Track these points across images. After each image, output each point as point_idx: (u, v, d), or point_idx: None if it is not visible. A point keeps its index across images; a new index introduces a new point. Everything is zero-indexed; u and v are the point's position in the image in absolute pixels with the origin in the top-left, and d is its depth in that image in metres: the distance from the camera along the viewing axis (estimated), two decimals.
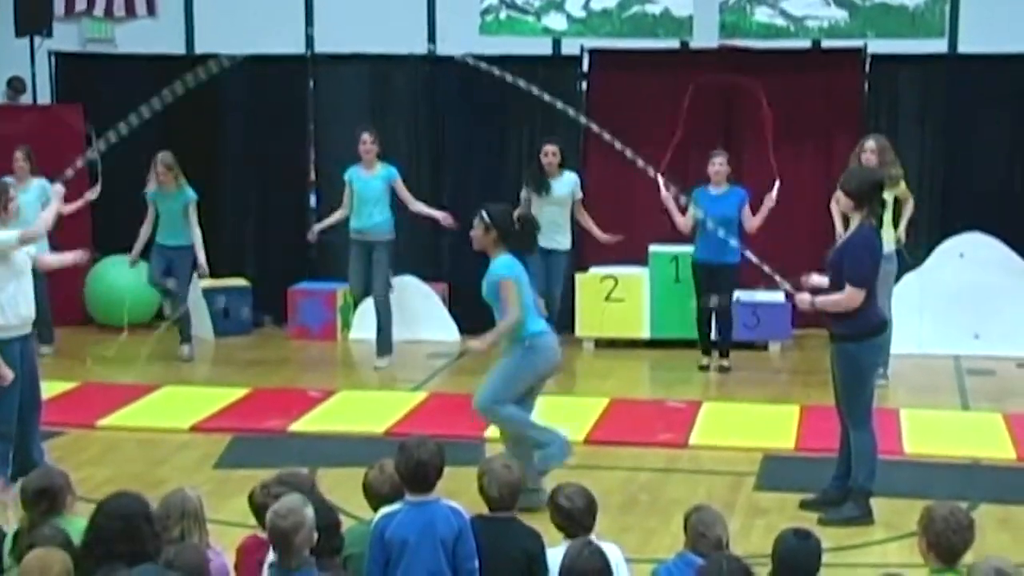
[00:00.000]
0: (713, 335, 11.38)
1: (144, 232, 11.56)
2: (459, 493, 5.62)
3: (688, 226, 11.02)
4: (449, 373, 11.39)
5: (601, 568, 4.75)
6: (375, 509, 5.44)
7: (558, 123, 12.86)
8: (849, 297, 7.19)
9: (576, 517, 5.27)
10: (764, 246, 11.08)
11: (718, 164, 11.07)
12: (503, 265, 7.54)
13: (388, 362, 11.41)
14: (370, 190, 11.26)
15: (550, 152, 11.47)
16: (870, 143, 10.10)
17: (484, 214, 7.60)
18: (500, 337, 7.60)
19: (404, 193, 11.36)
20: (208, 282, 12.36)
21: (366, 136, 11.32)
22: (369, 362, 11.49)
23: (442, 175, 13.06)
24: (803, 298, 7.38)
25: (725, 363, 11.28)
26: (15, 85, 13.45)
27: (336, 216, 11.56)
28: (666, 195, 10.66)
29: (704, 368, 11.35)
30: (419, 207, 11.43)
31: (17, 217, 8.07)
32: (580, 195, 11.57)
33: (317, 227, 11.75)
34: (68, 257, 8.51)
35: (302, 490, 5.45)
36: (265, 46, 13.03)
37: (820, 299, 7.31)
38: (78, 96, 13.18)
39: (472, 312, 12.30)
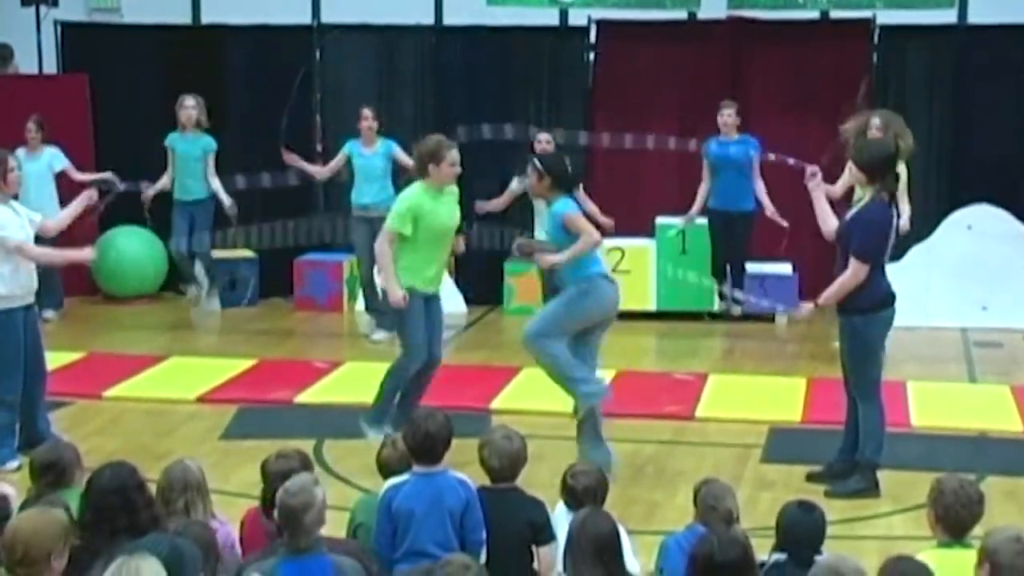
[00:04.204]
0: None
1: (164, 179, 11.67)
2: (465, 465, 5.62)
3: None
4: (455, 345, 11.36)
5: (611, 531, 4.75)
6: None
7: (564, 93, 12.89)
8: (854, 273, 7.16)
9: (586, 497, 5.27)
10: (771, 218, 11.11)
11: (727, 115, 11.13)
12: (562, 203, 7.63)
13: (386, 336, 11.31)
14: (371, 168, 11.23)
15: (544, 140, 11.13)
16: (875, 120, 10.07)
17: (537, 162, 7.75)
18: (575, 256, 7.50)
19: (405, 160, 11.23)
20: (214, 253, 12.35)
21: (367, 111, 11.29)
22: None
23: None
24: (806, 308, 7.38)
25: (739, 295, 11.30)
26: (2, 52, 13.35)
27: (312, 168, 11.58)
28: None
29: (722, 297, 11.43)
30: None
31: (17, 188, 8.04)
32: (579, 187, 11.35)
33: (292, 158, 11.47)
34: (71, 254, 8.40)
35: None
36: (271, 16, 13.00)
37: (824, 296, 7.32)
38: (84, 66, 13.15)
39: (479, 284, 12.41)
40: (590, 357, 7.74)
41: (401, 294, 7.80)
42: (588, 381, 7.64)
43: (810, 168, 7.71)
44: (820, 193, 7.58)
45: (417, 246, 7.85)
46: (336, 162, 11.43)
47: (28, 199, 9.44)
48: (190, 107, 11.64)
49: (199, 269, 12.16)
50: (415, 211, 7.85)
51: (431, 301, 8.07)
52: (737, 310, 11.41)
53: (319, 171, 11.62)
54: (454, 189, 8.06)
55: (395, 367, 8.14)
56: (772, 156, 10.92)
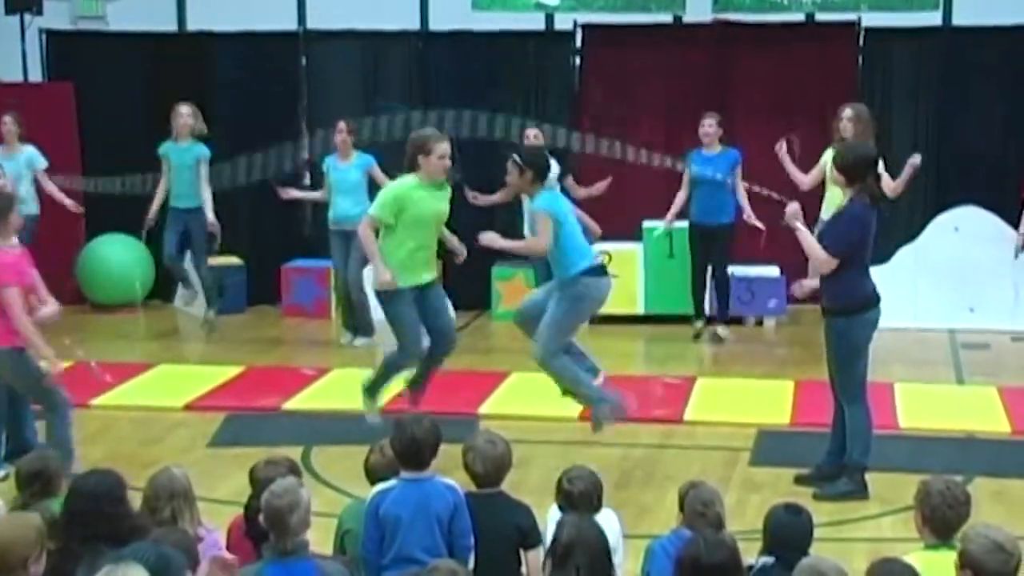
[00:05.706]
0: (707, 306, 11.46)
1: (160, 192, 11.57)
2: (453, 470, 5.61)
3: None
4: None
5: (599, 538, 4.74)
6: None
7: (551, 98, 12.90)
8: (823, 261, 7.16)
9: (582, 502, 5.26)
10: (757, 219, 11.11)
11: (708, 126, 11.11)
12: (542, 200, 7.67)
13: (367, 342, 11.32)
14: (346, 181, 11.20)
15: (531, 135, 11.19)
16: (847, 112, 10.04)
17: (516, 157, 7.74)
18: (516, 250, 7.82)
19: (382, 179, 11.21)
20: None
21: (341, 124, 11.25)
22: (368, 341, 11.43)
23: None
24: (793, 208, 7.32)
25: (720, 331, 11.29)
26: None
27: (311, 195, 11.78)
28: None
29: (698, 336, 11.36)
30: None
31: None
32: (568, 176, 11.33)
33: (291, 191, 11.75)
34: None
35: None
36: (257, 22, 12.99)
37: (802, 234, 7.25)
38: (69, 74, 13.12)
39: (466, 289, 12.39)
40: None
41: (389, 276, 7.75)
42: (603, 397, 7.81)
43: (790, 206, 7.45)
44: (804, 232, 7.34)
45: (402, 238, 7.77)
46: (326, 184, 11.42)
47: None
48: (185, 115, 11.48)
49: (194, 278, 11.97)
50: (401, 201, 7.74)
51: (426, 290, 7.97)
52: (724, 331, 11.36)
53: (317, 196, 11.63)
54: (446, 186, 7.96)
55: (389, 359, 8.15)
56: (757, 189, 10.92)
